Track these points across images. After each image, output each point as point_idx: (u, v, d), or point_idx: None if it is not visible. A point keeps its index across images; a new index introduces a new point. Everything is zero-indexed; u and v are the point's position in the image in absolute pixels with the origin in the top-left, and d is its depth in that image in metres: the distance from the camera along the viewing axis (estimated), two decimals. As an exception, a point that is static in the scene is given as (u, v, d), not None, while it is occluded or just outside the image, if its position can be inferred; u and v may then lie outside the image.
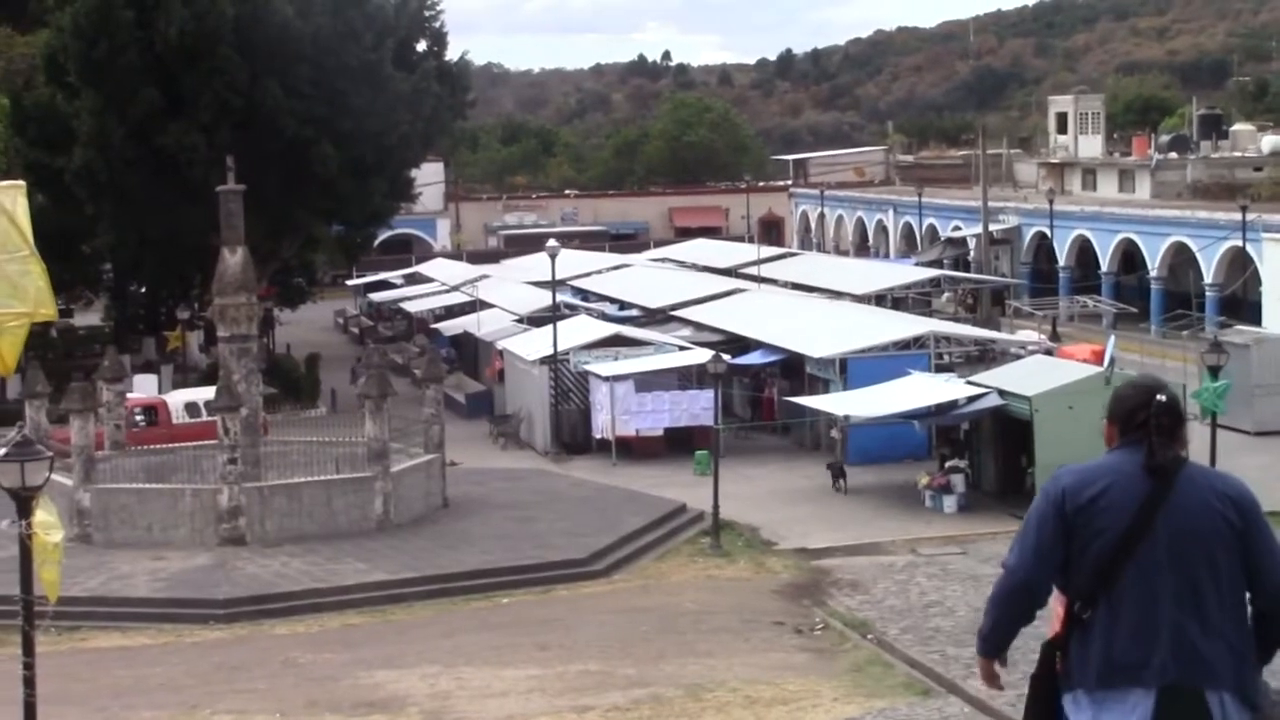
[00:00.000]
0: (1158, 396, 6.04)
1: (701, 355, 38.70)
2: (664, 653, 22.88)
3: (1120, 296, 61.32)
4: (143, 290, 59.73)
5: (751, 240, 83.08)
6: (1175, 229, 58.73)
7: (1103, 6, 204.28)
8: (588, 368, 41.16)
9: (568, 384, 41.70)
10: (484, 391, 49.83)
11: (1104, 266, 63.28)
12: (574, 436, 41.64)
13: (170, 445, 36.02)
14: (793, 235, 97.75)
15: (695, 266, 67.48)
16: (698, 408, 39.27)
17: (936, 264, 66.52)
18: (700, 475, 35.38)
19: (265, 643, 25.35)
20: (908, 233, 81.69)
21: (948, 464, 34.57)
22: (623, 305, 55.56)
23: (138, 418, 39.04)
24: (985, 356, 40.24)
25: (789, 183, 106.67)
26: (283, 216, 48.78)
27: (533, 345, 43.89)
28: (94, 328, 62.60)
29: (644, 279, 61.33)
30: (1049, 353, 40.87)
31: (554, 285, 45.66)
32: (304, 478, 32.15)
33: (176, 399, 41.95)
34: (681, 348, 42.58)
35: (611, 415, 39.61)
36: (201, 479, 31.86)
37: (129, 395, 38.79)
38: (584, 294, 58.46)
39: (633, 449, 40.04)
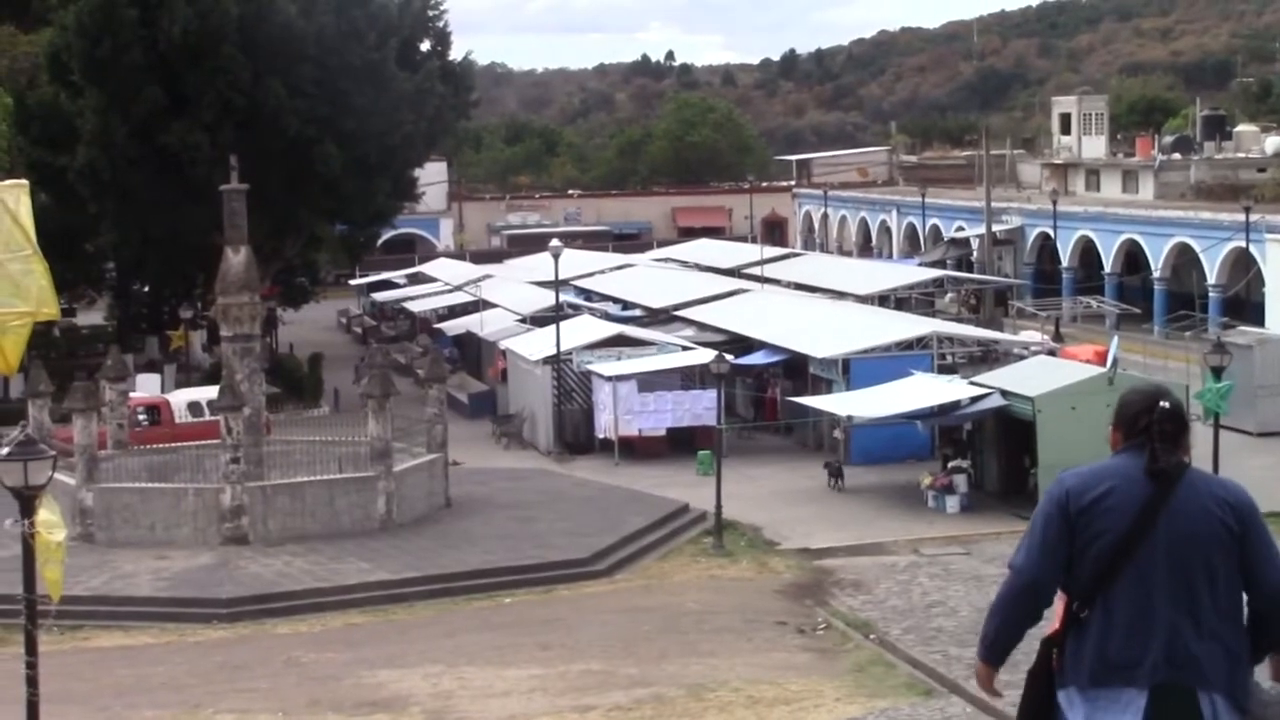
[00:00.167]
0: (1160, 403, 6.15)
1: (704, 355, 38.70)
2: (666, 652, 22.88)
3: (1123, 297, 61.30)
4: (146, 289, 59.73)
5: (754, 240, 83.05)
6: (1178, 230, 58.71)
7: (1106, 7, 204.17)
8: (590, 367, 41.17)
9: (570, 384, 41.70)
10: (487, 391, 49.84)
11: (1107, 267, 63.28)
12: (577, 436, 41.65)
13: (173, 445, 36.00)
14: (796, 235, 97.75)
15: (698, 267, 67.51)
16: (700, 408, 39.27)
17: (940, 264, 66.52)
18: (703, 475, 35.36)
19: (268, 642, 25.36)
20: (911, 233, 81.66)
21: (950, 464, 34.57)
22: (626, 305, 55.58)
23: (140, 417, 39.04)
24: (988, 357, 40.25)
25: (792, 183, 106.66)
26: (286, 216, 48.80)
27: (536, 345, 43.90)
28: (97, 327, 62.67)
29: (647, 279, 61.34)
30: (1052, 353, 40.87)
31: (557, 285, 45.65)
32: (307, 477, 32.15)
33: (179, 398, 41.96)
34: (684, 348, 42.59)
35: (614, 415, 39.61)
36: (204, 478, 31.86)
37: (132, 394, 38.77)
38: (587, 294, 58.49)
39: (635, 449, 40.05)
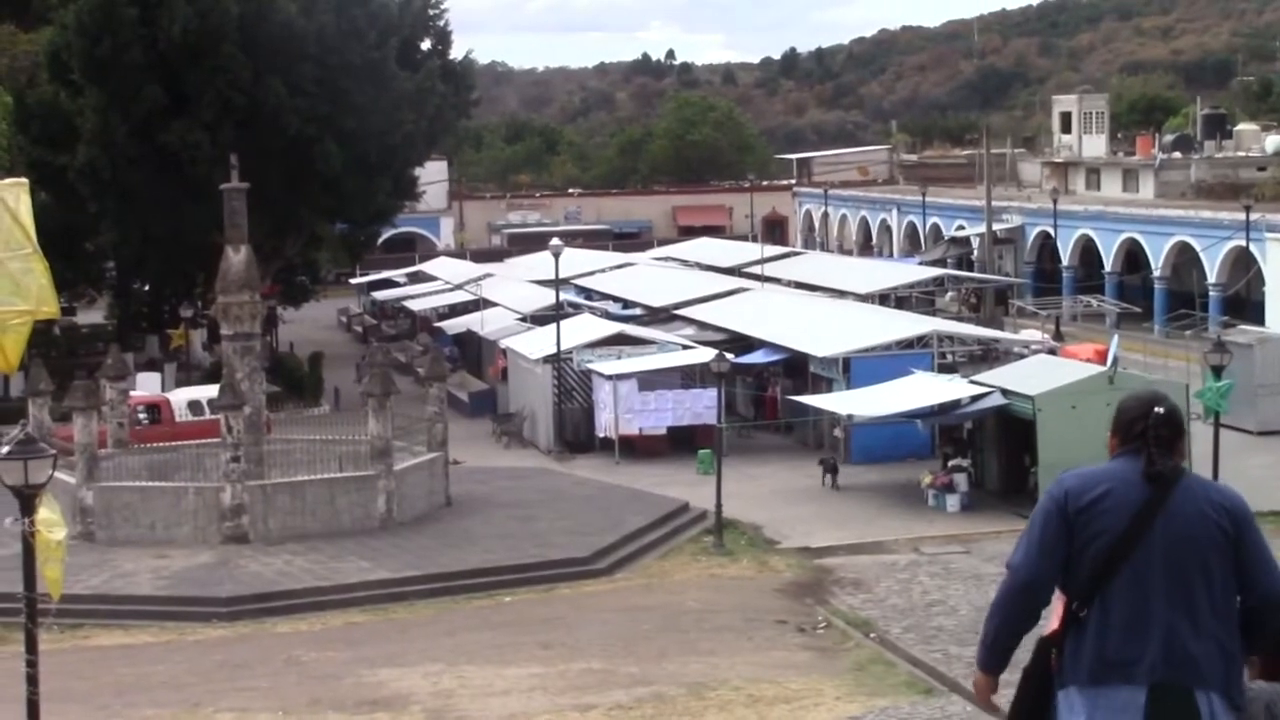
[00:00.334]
0: (1156, 409, 6.22)
1: (705, 354, 38.68)
2: (666, 651, 22.89)
3: (1124, 296, 61.32)
4: (146, 288, 59.74)
5: (755, 239, 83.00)
6: (1179, 229, 58.69)
7: (1107, 6, 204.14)
8: (591, 366, 41.17)
9: (571, 383, 41.70)
10: (487, 390, 49.83)
11: (1107, 266, 63.26)
12: (577, 435, 41.65)
13: (173, 443, 36.00)
14: (796, 234, 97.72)
15: (699, 265, 67.47)
16: (701, 407, 39.27)
17: (940, 263, 66.48)
18: (703, 474, 35.36)
19: (268, 641, 25.37)
20: (911, 232, 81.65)
21: (951, 463, 34.56)
22: (626, 304, 55.57)
23: (141, 416, 39.04)
24: (988, 356, 40.26)
25: (793, 182, 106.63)
26: (286, 215, 48.80)
27: (536, 344, 43.90)
28: (97, 325, 62.66)
29: (647, 278, 61.33)
30: (1052, 352, 40.89)
31: (557, 284, 45.65)
32: (307, 476, 32.15)
33: (179, 397, 41.95)
34: (685, 347, 42.60)
35: (615, 414, 39.61)
36: (204, 477, 31.88)
37: (132, 393, 38.77)
38: (587, 293, 58.47)
39: (636, 448, 40.04)
